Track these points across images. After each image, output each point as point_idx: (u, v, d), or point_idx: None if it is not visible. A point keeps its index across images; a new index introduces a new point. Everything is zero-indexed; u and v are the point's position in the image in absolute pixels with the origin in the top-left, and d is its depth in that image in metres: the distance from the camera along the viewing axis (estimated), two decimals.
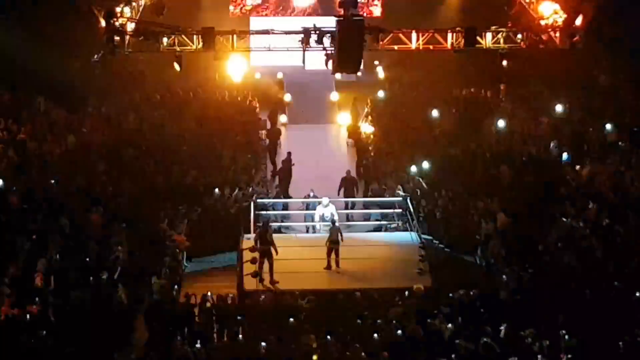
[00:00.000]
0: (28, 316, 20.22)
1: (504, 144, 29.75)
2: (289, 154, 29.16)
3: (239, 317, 20.93)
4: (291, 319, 20.69)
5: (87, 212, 24.42)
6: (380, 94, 34.12)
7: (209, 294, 21.80)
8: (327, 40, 24.76)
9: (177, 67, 25.81)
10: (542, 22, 27.46)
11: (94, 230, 23.78)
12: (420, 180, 28.00)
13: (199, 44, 25.63)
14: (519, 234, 24.49)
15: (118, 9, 25.56)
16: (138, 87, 32.81)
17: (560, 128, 30.13)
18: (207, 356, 19.45)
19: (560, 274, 22.75)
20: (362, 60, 25.08)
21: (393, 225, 26.79)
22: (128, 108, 31.29)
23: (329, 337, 19.88)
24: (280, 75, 36.26)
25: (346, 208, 27.56)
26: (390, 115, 32.91)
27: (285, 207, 27.97)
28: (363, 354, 19.37)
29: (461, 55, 27.41)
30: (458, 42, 26.28)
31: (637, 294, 21.56)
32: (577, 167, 27.49)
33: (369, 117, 33.47)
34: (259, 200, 26.42)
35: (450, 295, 21.88)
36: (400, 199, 26.78)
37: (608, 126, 29.33)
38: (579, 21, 26.62)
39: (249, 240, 24.10)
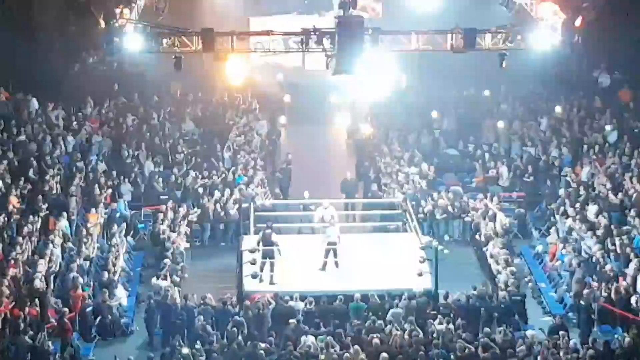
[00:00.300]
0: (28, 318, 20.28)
1: (504, 144, 29.75)
2: (289, 155, 29.13)
3: (238, 318, 20.91)
4: (290, 320, 20.68)
5: (87, 213, 24.46)
6: (383, 95, 34.06)
7: (208, 295, 21.79)
8: (326, 42, 24.78)
9: (176, 67, 25.82)
10: (542, 23, 27.41)
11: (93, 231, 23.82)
12: (420, 181, 27.97)
13: (198, 45, 25.59)
14: (518, 234, 24.51)
15: (118, 10, 25.54)
16: (138, 88, 32.79)
17: (559, 129, 30.14)
18: (206, 357, 19.45)
19: (560, 275, 22.77)
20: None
21: (393, 227, 26.76)
22: (128, 109, 31.27)
23: (328, 338, 19.89)
24: (280, 76, 36.25)
25: (346, 209, 27.53)
26: (389, 116, 32.88)
27: (285, 208, 27.94)
28: (363, 355, 19.37)
29: (461, 56, 27.38)
30: (457, 43, 26.28)
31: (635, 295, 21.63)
32: (577, 167, 27.53)
33: (369, 118, 33.44)
34: (258, 202, 26.39)
35: (450, 296, 21.88)
36: (400, 200, 26.76)
37: (607, 127, 29.35)
38: (578, 22, 26.61)
39: (248, 241, 24.09)
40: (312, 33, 25.02)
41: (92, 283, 22.25)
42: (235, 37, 25.76)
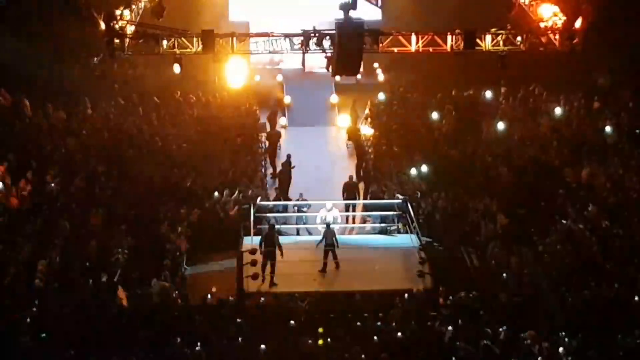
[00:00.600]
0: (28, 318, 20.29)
1: (504, 145, 29.74)
2: (289, 156, 29.16)
3: (238, 319, 20.91)
4: (291, 321, 20.68)
5: (87, 215, 24.44)
6: (381, 96, 34.12)
7: (208, 296, 21.79)
8: (326, 43, 24.82)
9: (176, 69, 25.85)
10: (542, 25, 27.48)
11: (94, 233, 23.81)
12: (420, 182, 27.98)
13: (198, 46, 25.67)
14: (518, 235, 24.50)
15: (118, 12, 25.58)
16: (138, 89, 32.78)
17: (559, 130, 30.14)
18: (206, 358, 19.45)
19: (560, 276, 22.77)
20: (362, 63, 25.16)
21: (393, 228, 26.78)
22: (128, 111, 31.26)
23: (328, 339, 19.89)
24: (280, 78, 36.27)
25: (347, 211, 27.55)
26: (389, 117, 32.89)
27: (285, 209, 27.96)
28: (363, 356, 19.37)
29: (461, 57, 27.42)
30: (457, 44, 26.32)
31: (637, 296, 21.61)
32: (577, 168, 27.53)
33: (369, 119, 33.48)
34: (259, 203, 26.41)
35: (450, 297, 21.89)
36: (400, 201, 26.78)
37: (607, 128, 29.35)
38: (578, 23, 26.65)
39: (248, 242, 24.10)
40: (312, 34, 25.08)
41: None
42: (235, 38, 25.83)
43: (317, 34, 25.12)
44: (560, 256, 23.48)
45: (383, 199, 27.73)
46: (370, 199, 28.05)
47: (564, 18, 26.95)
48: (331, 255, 23.83)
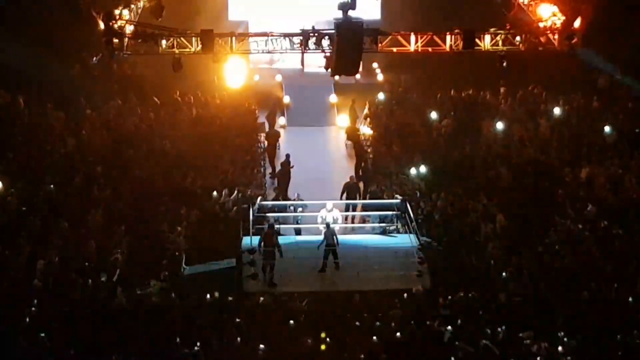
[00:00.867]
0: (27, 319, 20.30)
1: (503, 145, 29.74)
2: (288, 156, 29.12)
3: (237, 319, 20.91)
4: (290, 321, 20.68)
5: (87, 215, 24.44)
6: (380, 96, 34.11)
7: (207, 296, 21.78)
8: (325, 43, 24.80)
9: (175, 69, 25.84)
10: (541, 25, 27.49)
11: (93, 233, 23.82)
12: (419, 182, 27.97)
13: (197, 46, 25.66)
14: (518, 235, 24.51)
15: (117, 12, 25.56)
16: (137, 89, 32.77)
17: (559, 130, 30.15)
18: (206, 358, 19.45)
19: (559, 276, 22.78)
20: (361, 63, 25.15)
21: (392, 228, 26.76)
22: (127, 111, 31.24)
23: (327, 339, 19.90)
24: (279, 78, 36.25)
25: (347, 210, 27.53)
26: (388, 117, 32.88)
27: (284, 209, 27.92)
28: (362, 356, 19.37)
29: (460, 57, 27.45)
30: (457, 44, 26.33)
31: (636, 296, 21.64)
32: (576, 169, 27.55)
33: (368, 119, 33.47)
34: (260, 203, 26.40)
35: (449, 297, 21.89)
36: (399, 201, 26.77)
37: (607, 128, 29.37)
38: (577, 23, 26.67)
39: (247, 242, 24.10)
40: (311, 34, 25.07)
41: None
42: (234, 38, 25.81)
43: (316, 34, 25.11)
44: (559, 256, 23.50)
45: (382, 199, 27.72)
46: (370, 199, 28.03)
47: (563, 18, 26.96)
48: (331, 255, 23.82)
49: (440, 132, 31.05)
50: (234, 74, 30.95)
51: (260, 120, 33.46)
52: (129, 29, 26.05)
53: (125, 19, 25.82)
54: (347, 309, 21.65)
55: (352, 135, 32.31)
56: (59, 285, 21.82)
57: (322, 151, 32.47)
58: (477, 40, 26.40)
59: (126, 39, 25.71)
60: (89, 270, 22.39)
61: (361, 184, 28.89)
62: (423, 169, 28.14)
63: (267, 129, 32.61)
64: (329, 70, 25.53)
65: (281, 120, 33.92)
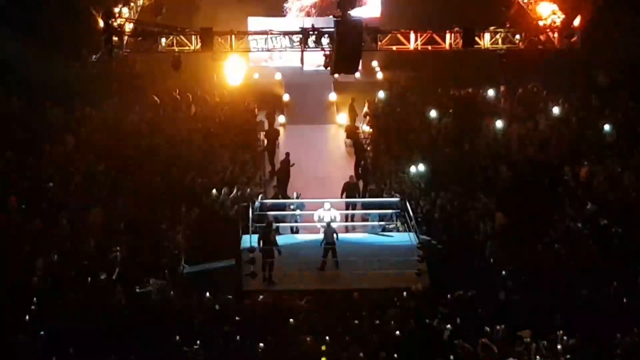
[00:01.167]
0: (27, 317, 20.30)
1: (503, 144, 29.73)
2: (287, 154, 29.11)
3: (237, 318, 20.91)
4: (290, 320, 20.68)
5: (86, 213, 24.44)
6: (380, 94, 34.08)
7: (207, 294, 21.78)
8: (325, 41, 24.79)
9: (175, 67, 25.83)
10: (541, 23, 27.49)
11: (93, 231, 23.82)
12: (419, 180, 27.96)
13: (197, 44, 25.64)
14: (517, 234, 24.51)
15: (116, 10, 25.55)
16: (136, 87, 32.75)
17: (558, 128, 30.14)
18: (205, 357, 19.46)
19: (558, 274, 22.78)
20: (361, 61, 25.14)
21: (392, 226, 26.77)
22: (126, 109, 31.21)
23: (327, 337, 19.90)
24: (278, 76, 36.22)
25: (347, 209, 27.52)
26: (388, 116, 32.86)
27: (283, 208, 27.92)
28: (361, 354, 19.37)
29: (460, 55, 27.45)
30: (456, 42, 26.32)
31: (635, 294, 21.65)
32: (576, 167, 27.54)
33: (367, 118, 33.45)
34: (260, 201, 26.40)
35: (449, 295, 21.90)
36: (398, 199, 26.78)
37: (606, 127, 29.36)
38: (577, 22, 26.66)
39: (247, 240, 24.10)
40: (311, 32, 25.06)
41: None
42: (234, 36, 25.80)
43: (315, 32, 25.09)
44: (558, 254, 23.50)
45: (382, 197, 27.72)
46: (369, 197, 28.03)
47: (563, 16, 26.96)
48: (331, 253, 23.83)
49: (440, 130, 31.02)
50: (233, 72, 31.00)
51: (260, 118, 33.43)
52: (129, 27, 26.03)
53: (124, 17, 25.82)
54: (346, 307, 21.66)
55: (352, 133, 32.28)
56: (58, 284, 21.81)
57: (322, 149, 32.44)
58: (476, 38, 26.39)
59: (125, 37, 25.69)
60: (88, 268, 22.39)
61: (361, 183, 28.90)
62: (422, 167, 28.12)
63: (266, 127, 32.59)
64: (329, 68, 25.51)
65: (281, 119, 33.89)
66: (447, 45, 26.46)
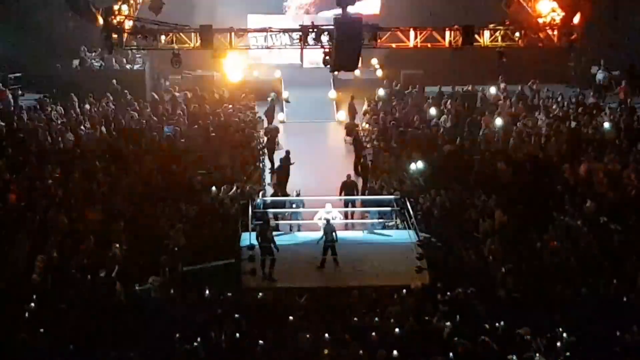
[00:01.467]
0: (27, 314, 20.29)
1: (502, 141, 29.75)
2: (288, 152, 29.11)
3: (236, 315, 20.92)
4: (289, 317, 20.69)
5: (86, 210, 24.44)
6: (380, 91, 34.10)
7: (206, 291, 21.79)
8: (325, 38, 24.79)
9: (174, 64, 25.82)
10: (540, 20, 27.49)
11: (92, 228, 23.81)
12: (418, 178, 27.96)
13: (197, 41, 25.63)
14: (516, 231, 24.52)
15: (116, 7, 25.53)
16: (136, 85, 32.79)
17: (557, 126, 30.16)
18: (205, 354, 19.46)
19: (558, 272, 22.80)
20: (360, 58, 25.14)
21: (391, 224, 26.77)
22: (125, 106, 31.24)
23: (326, 335, 19.90)
24: (278, 74, 36.23)
25: (346, 207, 27.52)
26: (387, 113, 32.88)
27: (283, 205, 27.93)
28: (361, 352, 19.38)
29: (459, 52, 27.43)
30: (456, 40, 26.32)
31: (634, 292, 21.66)
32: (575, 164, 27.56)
33: (367, 115, 33.47)
34: (260, 199, 26.40)
35: (448, 293, 21.90)
36: (398, 196, 26.78)
37: (606, 124, 29.38)
38: (576, 19, 26.66)
39: (246, 238, 24.11)
40: (311, 29, 25.06)
41: None
42: (233, 33, 25.79)
43: (315, 29, 25.09)
44: (558, 252, 23.51)
45: (381, 194, 27.73)
46: (368, 194, 28.04)
47: (562, 14, 26.95)
48: (330, 251, 23.84)
49: (439, 128, 31.04)
50: (233, 70, 31.01)
51: (259, 115, 33.45)
52: (128, 24, 26.01)
53: (124, 14, 25.77)
54: (346, 304, 21.66)
55: (351, 131, 32.31)
56: (58, 281, 21.81)
57: (321, 147, 32.47)
58: (476, 36, 26.38)
59: (125, 35, 25.68)
60: (87, 266, 22.38)
61: (360, 180, 28.92)
62: (422, 165, 28.12)
63: (265, 125, 32.61)
64: (328, 65, 25.52)
65: (280, 116, 33.92)
66: (446, 43, 26.44)
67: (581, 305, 21.40)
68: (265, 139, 31.64)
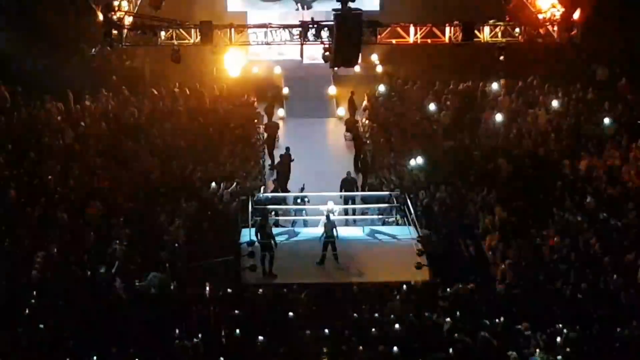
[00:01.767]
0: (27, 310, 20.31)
1: (502, 137, 29.73)
2: (288, 149, 29.10)
3: (236, 311, 20.93)
4: (289, 313, 20.69)
5: (86, 206, 24.43)
6: (380, 87, 34.07)
7: (207, 288, 21.79)
8: (325, 34, 24.76)
9: (174, 60, 25.80)
10: (540, 16, 27.45)
11: (92, 224, 23.81)
12: (418, 174, 27.96)
13: (196, 37, 25.59)
14: (516, 227, 24.52)
15: (116, 3, 25.50)
16: (136, 81, 32.73)
17: (557, 122, 30.14)
18: (205, 350, 19.47)
19: (558, 268, 22.80)
20: (360, 54, 25.11)
21: (391, 220, 26.78)
22: (126, 102, 31.21)
23: (326, 331, 19.92)
24: (278, 70, 36.19)
25: (346, 203, 27.53)
26: (387, 109, 32.86)
27: (284, 201, 27.94)
28: (361, 347, 19.39)
29: (459, 48, 27.41)
30: (456, 36, 26.29)
31: (634, 287, 21.67)
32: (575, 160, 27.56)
33: (366, 111, 33.45)
34: (259, 195, 26.40)
35: (448, 289, 21.92)
36: (398, 192, 26.79)
37: (606, 120, 29.36)
38: (576, 15, 26.62)
39: (246, 234, 24.11)
40: (311, 26, 25.03)
41: None
42: (233, 29, 25.76)
43: (315, 25, 25.06)
44: (557, 248, 23.51)
45: (381, 190, 27.73)
46: (368, 191, 28.04)
47: (563, 10, 26.91)
48: (330, 247, 23.84)
49: (439, 123, 31.02)
50: (232, 66, 30.96)
51: (259, 111, 33.43)
52: (128, 20, 25.99)
53: (124, 10, 25.75)
54: (346, 300, 21.67)
55: (351, 127, 32.30)
56: (58, 277, 21.82)
57: (321, 143, 32.47)
58: (476, 32, 26.34)
59: (125, 31, 25.65)
60: (87, 261, 22.39)
61: (360, 176, 28.91)
62: (422, 160, 28.12)
63: (265, 121, 32.59)
64: (328, 61, 25.49)
65: (280, 112, 33.90)
66: (446, 39, 26.41)
67: (581, 301, 21.41)
68: (265, 134, 31.63)
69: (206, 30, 25.32)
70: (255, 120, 32.58)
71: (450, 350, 19.40)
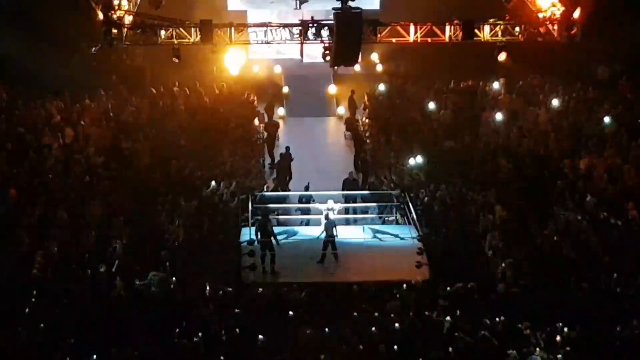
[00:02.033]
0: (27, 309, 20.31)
1: (502, 137, 29.72)
2: (288, 148, 29.10)
3: (236, 310, 20.92)
4: (290, 312, 20.69)
5: (86, 205, 24.42)
6: (380, 86, 34.05)
7: (207, 287, 21.79)
8: (325, 33, 24.77)
9: (174, 59, 25.81)
10: (540, 15, 27.45)
11: (92, 224, 23.81)
12: (418, 173, 27.95)
13: (196, 36, 25.63)
14: (517, 226, 24.52)
15: (116, 2, 25.52)
16: (135, 80, 32.71)
17: (558, 121, 30.12)
18: (205, 349, 19.47)
19: (558, 267, 22.80)
20: (360, 53, 25.12)
21: (391, 219, 26.77)
22: (126, 101, 31.19)
23: (326, 329, 19.92)
24: (278, 69, 36.18)
25: (347, 202, 27.52)
26: (387, 108, 32.84)
27: (285, 200, 27.94)
28: (361, 347, 19.39)
29: (459, 47, 27.41)
30: (456, 34, 26.30)
31: (634, 287, 21.67)
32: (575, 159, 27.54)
33: (366, 110, 33.43)
34: (260, 194, 26.39)
35: (448, 288, 21.91)
36: (398, 191, 26.78)
37: (606, 119, 29.34)
38: (577, 14, 26.63)
39: (246, 233, 24.11)
40: (311, 25, 25.04)
41: None
42: (233, 28, 25.77)
43: (315, 24, 25.07)
44: (558, 247, 23.51)
45: (381, 190, 27.73)
46: (368, 190, 28.04)
47: (563, 8, 26.92)
48: (330, 246, 23.84)
49: (439, 123, 31.00)
50: (232, 65, 30.95)
51: (259, 110, 33.41)
52: (128, 19, 25.99)
53: (124, 9, 25.77)
54: (346, 300, 21.67)
55: (351, 126, 32.29)
56: (58, 276, 21.82)
57: (321, 142, 32.45)
58: (476, 30, 26.36)
59: (125, 29, 25.66)
60: (88, 261, 22.39)
61: (360, 175, 28.90)
62: (422, 160, 28.11)
63: (266, 120, 32.58)
64: (328, 60, 25.50)
65: (280, 111, 33.89)
66: (446, 38, 26.42)
67: (581, 300, 21.41)
68: (266, 133, 31.62)
69: (206, 29, 25.35)
70: (256, 119, 32.56)
71: (450, 349, 19.41)
